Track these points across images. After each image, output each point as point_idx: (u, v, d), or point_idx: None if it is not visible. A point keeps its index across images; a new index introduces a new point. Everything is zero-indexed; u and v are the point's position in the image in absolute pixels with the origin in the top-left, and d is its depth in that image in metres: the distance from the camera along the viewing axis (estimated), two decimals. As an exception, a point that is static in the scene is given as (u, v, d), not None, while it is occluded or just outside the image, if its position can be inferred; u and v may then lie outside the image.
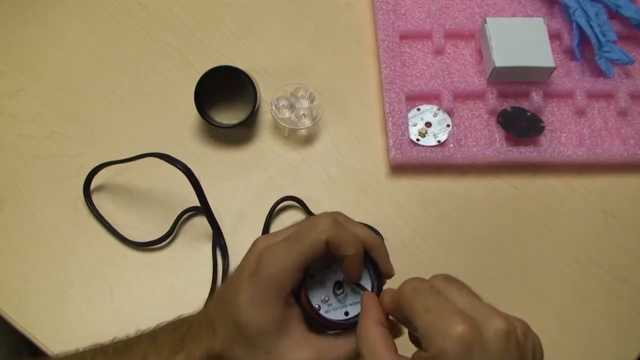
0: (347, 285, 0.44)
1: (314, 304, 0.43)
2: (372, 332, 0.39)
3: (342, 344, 0.43)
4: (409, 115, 0.70)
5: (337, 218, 0.43)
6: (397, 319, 0.41)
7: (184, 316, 0.47)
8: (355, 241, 0.42)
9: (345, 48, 0.76)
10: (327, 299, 0.44)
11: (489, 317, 0.36)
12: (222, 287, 0.46)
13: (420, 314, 0.37)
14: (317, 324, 0.44)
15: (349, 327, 0.45)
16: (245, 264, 0.44)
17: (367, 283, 0.45)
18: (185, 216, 0.66)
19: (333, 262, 0.45)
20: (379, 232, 0.65)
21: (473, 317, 0.36)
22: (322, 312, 0.44)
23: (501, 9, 0.78)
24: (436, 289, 0.38)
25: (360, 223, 0.45)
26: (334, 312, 0.44)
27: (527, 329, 0.38)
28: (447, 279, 0.40)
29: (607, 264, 0.66)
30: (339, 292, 0.44)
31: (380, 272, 0.45)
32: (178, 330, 0.45)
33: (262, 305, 0.42)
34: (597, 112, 0.73)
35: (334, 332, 0.45)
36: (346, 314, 0.44)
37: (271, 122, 0.71)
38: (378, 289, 0.44)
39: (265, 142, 0.71)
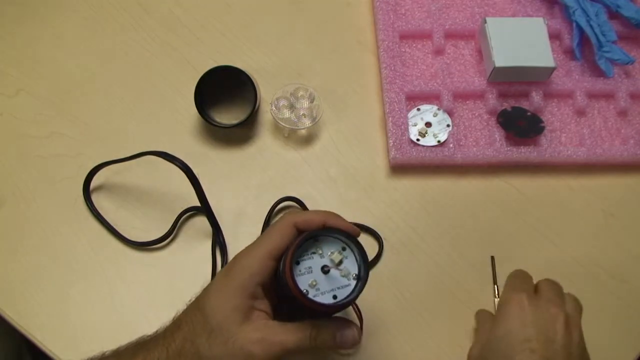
0: (333, 269, 0.46)
1: (301, 288, 0.44)
2: None
3: (291, 329, 0.45)
4: (409, 115, 0.70)
5: (290, 212, 0.49)
6: None
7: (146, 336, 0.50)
8: (317, 212, 0.49)
9: (345, 48, 0.76)
10: (314, 283, 0.46)
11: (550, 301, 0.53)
12: (195, 296, 0.50)
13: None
14: (306, 309, 0.45)
15: (337, 309, 0.46)
16: (221, 270, 0.48)
17: (353, 266, 0.46)
18: (185, 216, 0.66)
19: (318, 247, 0.46)
20: (378, 234, 0.65)
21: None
22: (310, 296, 0.44)
23: (501, 9, 0.78)
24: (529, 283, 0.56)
25: (353, 224, 0.49)
26: (322, 295, 0.45)
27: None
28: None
29: (607, 264, 0.66)
30: (326, 275, 0.46)
31: (366, 256, 0.46)
32: (141, 345, 0.48)
33: (228, 295, 0.45)
34: (597, 112, 0.73)
35: (324, 316, 0.47)
36: (334, 297, 0.46)
37: (271, 122, 0.71)
38: (364, 270, 0.46)
39: (265, 142, 0.71)
